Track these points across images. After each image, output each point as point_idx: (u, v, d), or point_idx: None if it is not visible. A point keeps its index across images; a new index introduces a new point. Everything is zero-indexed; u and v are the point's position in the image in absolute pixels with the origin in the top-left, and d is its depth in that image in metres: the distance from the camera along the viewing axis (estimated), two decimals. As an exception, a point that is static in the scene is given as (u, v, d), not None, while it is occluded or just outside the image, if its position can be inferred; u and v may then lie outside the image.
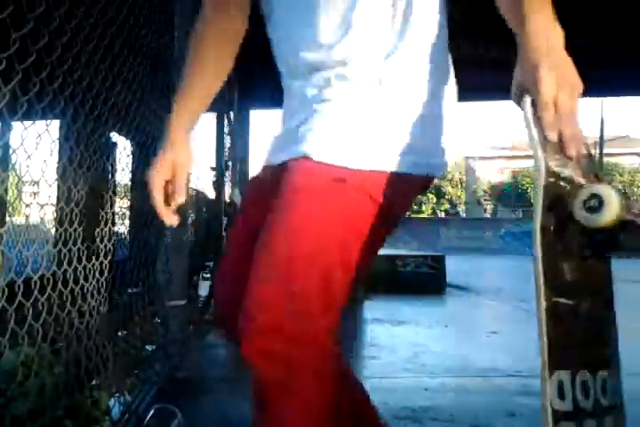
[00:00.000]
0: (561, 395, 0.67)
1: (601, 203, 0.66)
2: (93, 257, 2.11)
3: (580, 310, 0.71)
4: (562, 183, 0.72)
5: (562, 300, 0.67)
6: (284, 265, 0.92)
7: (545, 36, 0.78)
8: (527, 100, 0.77)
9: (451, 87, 1.05)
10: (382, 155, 0.94)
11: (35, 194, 2.96)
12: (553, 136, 0.74)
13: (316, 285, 0.92)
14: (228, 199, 6.12)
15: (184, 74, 1.17)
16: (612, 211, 0.66)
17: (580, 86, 0.77)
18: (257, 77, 6.00)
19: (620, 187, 27.21)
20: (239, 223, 1.19)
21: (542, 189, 0.69)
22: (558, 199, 0.69)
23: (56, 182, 2.01)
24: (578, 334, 0.70)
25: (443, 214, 30.22)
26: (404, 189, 0.99)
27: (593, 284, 0.73)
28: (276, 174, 1.03)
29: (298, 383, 0.92)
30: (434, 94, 0.99)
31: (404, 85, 0.97)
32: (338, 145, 0.95)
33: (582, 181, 0.74)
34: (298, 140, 0.99)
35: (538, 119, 0.75)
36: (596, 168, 0.81)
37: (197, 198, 4.69)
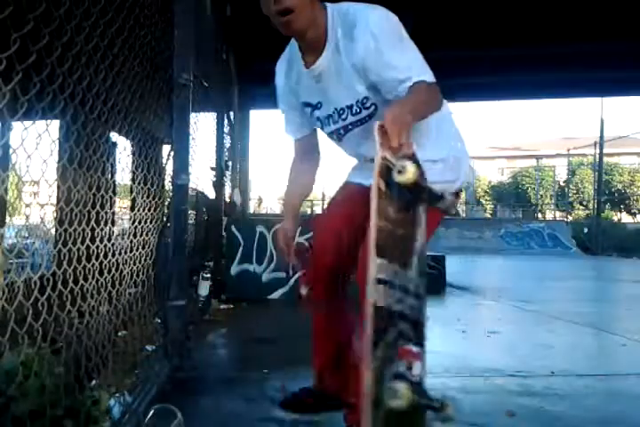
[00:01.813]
0: (381, 271, 1.24)
1: (404, 169, 1.25)
2: (93, 257, 2.11)
3: (395, 232, 1.26)
4: (390, 163, 1.28)
5: (383, 224, 1.25)
6: None
7: (403, 104, 1.48)
8: (376, 125, 1.34)
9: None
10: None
11: (34, 194, 2.96)
12: (392, 138, 1.31)
13: None
14: (227, 199, 6.11)
15: (287, 186, 2.01)
16: (409, 174, 1.25)
17: (408, 122, 1.37)
18: (257, 77, 5.99)
19: (620, 187, 27.22)
20: (336, 209, 1.93)
21: (378, 165, 1.27)
22: (387, 170, 1.27)
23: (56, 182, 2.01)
24: (391, 242, 1.26)
25: (442, 214, 30.06)
26: None
27: (404, 220, 1.27)
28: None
29: None
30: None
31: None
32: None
33: (403, 162, 1.29)
34: None
35: (382, 134, 1.32)
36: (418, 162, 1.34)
37: (197, 198, 4.68)
